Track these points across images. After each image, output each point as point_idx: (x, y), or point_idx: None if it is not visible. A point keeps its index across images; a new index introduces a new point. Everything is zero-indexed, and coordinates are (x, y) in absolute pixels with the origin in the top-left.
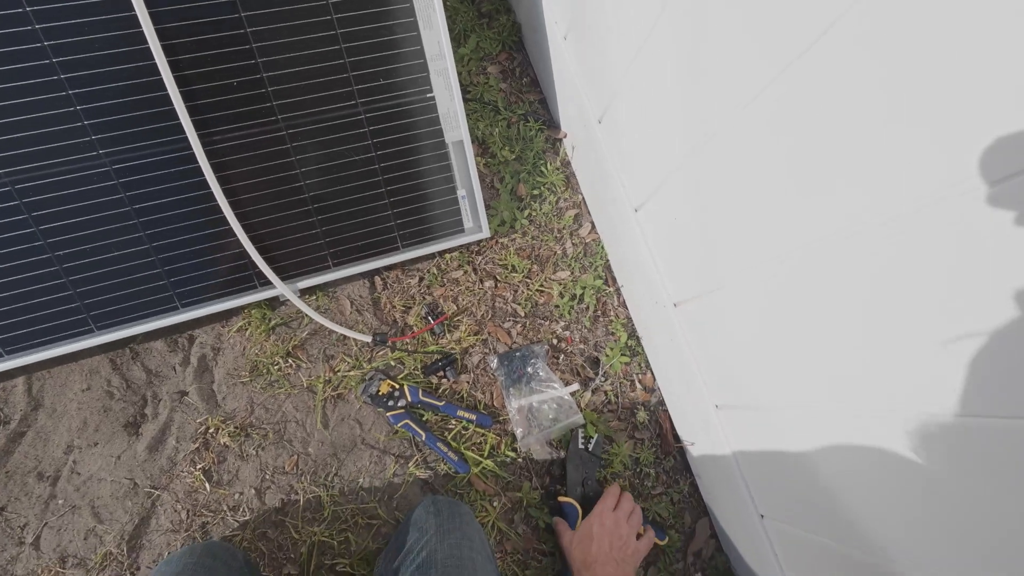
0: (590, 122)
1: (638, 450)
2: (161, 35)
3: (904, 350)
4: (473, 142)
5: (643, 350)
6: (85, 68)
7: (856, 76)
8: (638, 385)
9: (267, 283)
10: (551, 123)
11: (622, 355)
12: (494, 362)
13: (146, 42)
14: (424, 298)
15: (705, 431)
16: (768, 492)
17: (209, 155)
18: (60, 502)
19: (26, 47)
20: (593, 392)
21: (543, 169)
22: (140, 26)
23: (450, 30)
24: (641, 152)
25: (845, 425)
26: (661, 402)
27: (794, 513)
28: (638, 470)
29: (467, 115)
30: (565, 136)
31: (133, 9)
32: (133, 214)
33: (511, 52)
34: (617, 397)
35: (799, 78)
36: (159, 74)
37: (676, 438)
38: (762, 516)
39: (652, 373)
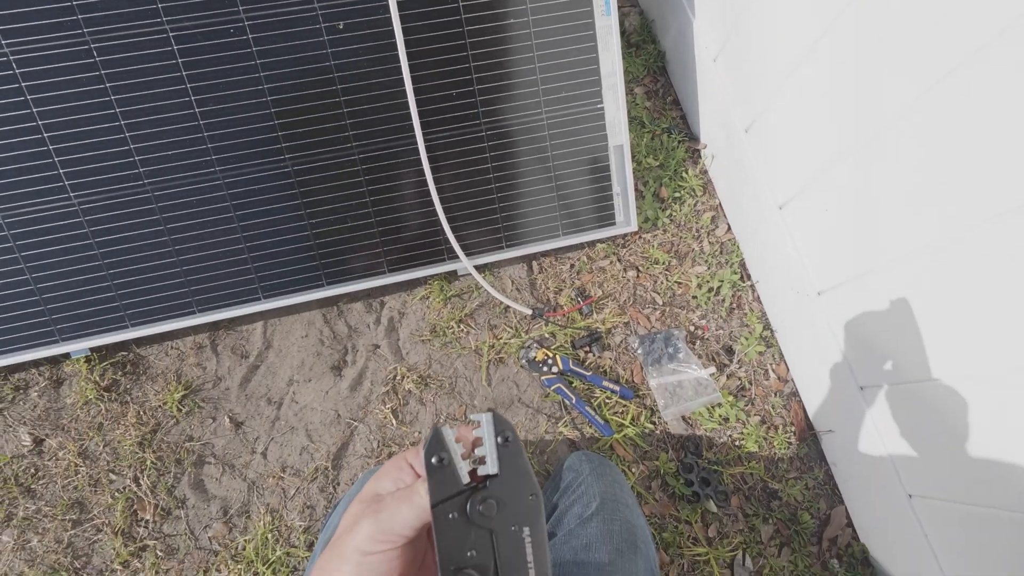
0: (735, 132)
1: (772, 434)
2: (407, 45)
3: None
4: None
5: (777, 342)
6: (351, 69)
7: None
8: (772, 374)
9: (454, 257)
10: (691, 136)
11: (757, 345)
12: (635, 342)
13: (396, 52)
14: (573, 282)
15: (847, 416)
16: (920, 470)
17: (427, 150)
18: (283, 423)
19: (312, 63)
20: (728, 377)
21: (683, 175)
22: (394, 39)
23: None
24: (791, 155)
25: (1018, 388)
26: (795, 393)
27: (950, 486)
28: (772, 453)
29: (627, 115)
30: (705, 147)
31: (391, 25)
32: (367, 194)
33: (655, 76)
34: (751, 384)
35: (964, 80)
36: (403, 85)
37: (810, 426)
38: (911, 496)
39: (786, 364)
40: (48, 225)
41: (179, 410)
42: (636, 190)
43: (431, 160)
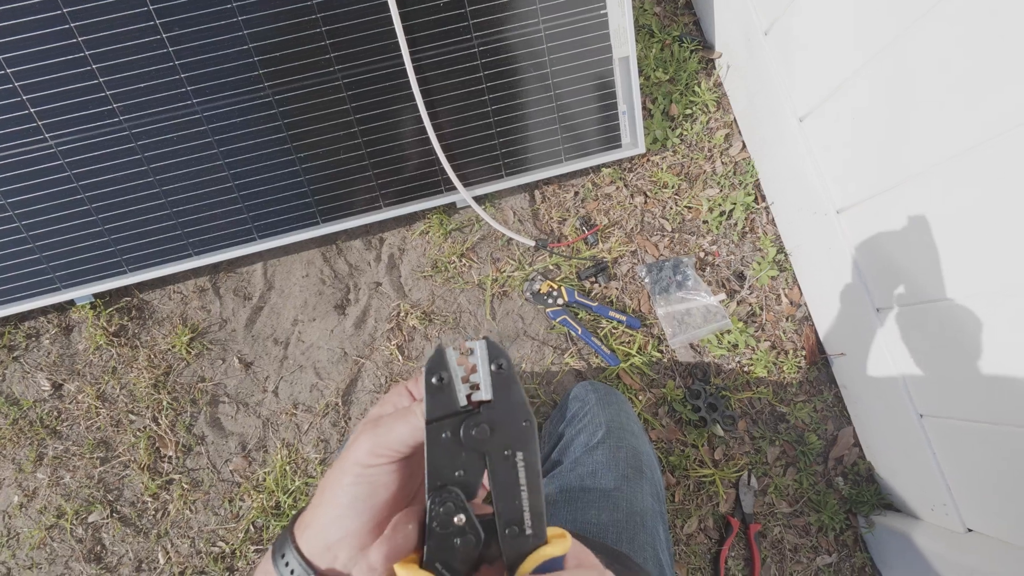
0: (754, 35)
1: (781, 359)
2: None
3: None
4: None
5: (791, 266)
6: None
7: None
8: (784, 299)
9: (452, 188)
10: (705, 44)
11: (770, 269)
12: (643, 271)
13: None
14: (578, 211)
15: (860, 338)
16: (932, 390)
17: (416, 71)
18: (291, 362)
19: None
20: (738, 304)
21: (696, 89)
22: None
23: None
24: (814, 60)
25: None
26: (807, 317)
27: (962, 405)
28: (781, 378)
29: (632, 21)
30: (720, 56)
31: None
32: (355, 123)
33: None
34: (762, 310)
35: None
36: None
37: (821, 349)
38: (921, 416)
39: (799, 288)
40: (29, 170)
41: (188, 352)
42: (644, 108)
43: (421, 83)
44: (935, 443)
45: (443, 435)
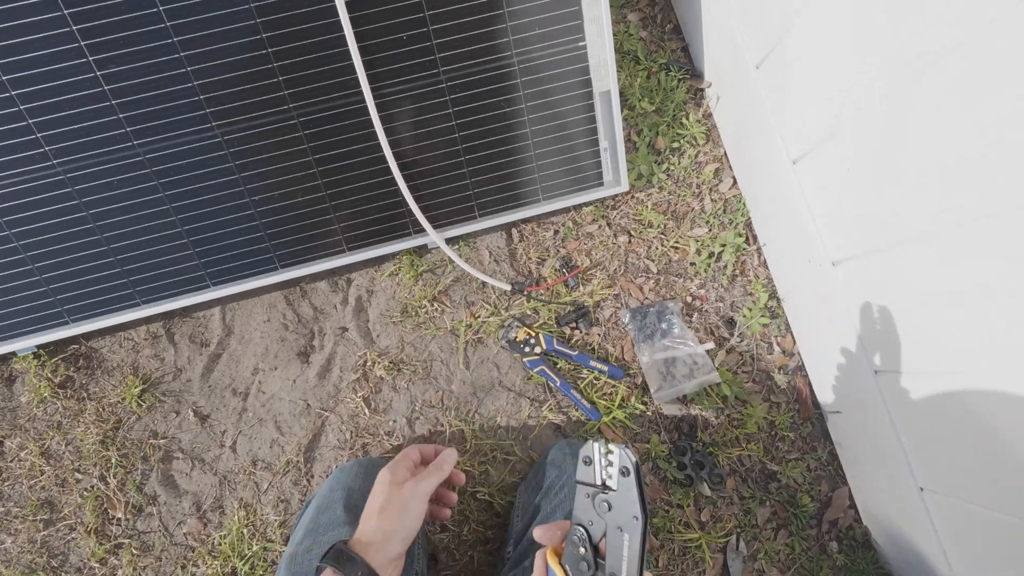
0: (746, 68)
1: (773, 413)
2: None
3: None
4: None
5: (784, 312)
6: (283, 27)
7: None
8: (776, 348)
9: (420, 230)
10: (694, 72)
11: (761, 316)
12: (626, 316)
13: (333, 1)
14: (558, 251)
15: (858, 399)
16: (936, 466)
17: (378, 108)
18: (250, 415)
19: (232, 6)
20: (728, 352)
21: (683, 121)
22: None
23: None
24: (809, 99)
25: None
26: (801, 367)
27: (969, 488)
28: (773, 433)
29: (614, 53)
30: (709, 86)
31: None
32: (313, 163)
33: None
34: (753, 359)
35: None
36: (342, 30)
37: (816, 404)
38: (922, 489)
39: (793, 336)
40: None
41: (139, 405)
42: (629, 141)
43: (384, 119)
44: (937, 519)
45: (586, 495)
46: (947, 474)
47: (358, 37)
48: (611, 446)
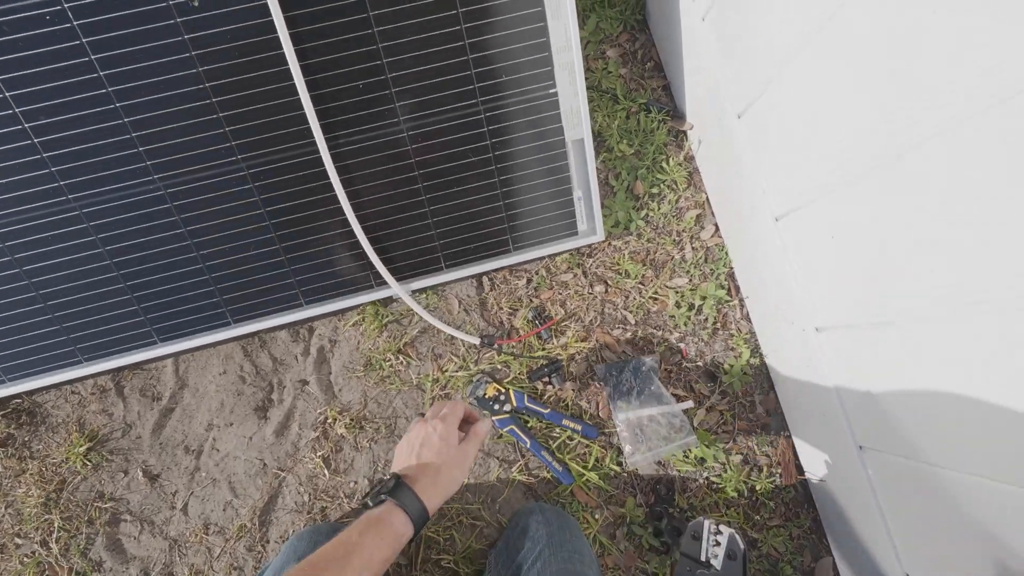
0: (727, 116)
1: (754, 478)
2: (295, 39)
3: None
4: None
5: (767, 370)
6: (220, 59)
7: None
8: (759, 407)
9: (383, 283)
10: (675, 113)
11: (743, 373)
12: (601, 371)
13: (281, 47)
14: (531, 301)
15: (842, 472)
16: (925, 556)
17: (334, 158)
18: (203, 474)
19: (169, 54)
20: (708, 411)
21: (664, 165)
22: (276, 32)
23: None
24: (795, 156)
25: None
26: (784, 427)
27: (955, 570)
28: (754, 499)
29: (587, 101)
30: (691, 128)
31: (270, 15)
32: (266, 216)
33: (633, 33)
34: (734, 418)
35: None
36: (292, 78)
37: (799, 469)
38: (907, 574)
39: (776, 395)
40: None
41: (85, 464)
42: (606, 185)
43: (341, 170)
44: None
45: (687, 567)
46: (932, 559)
47: (311, 85)
48: (722, 527)
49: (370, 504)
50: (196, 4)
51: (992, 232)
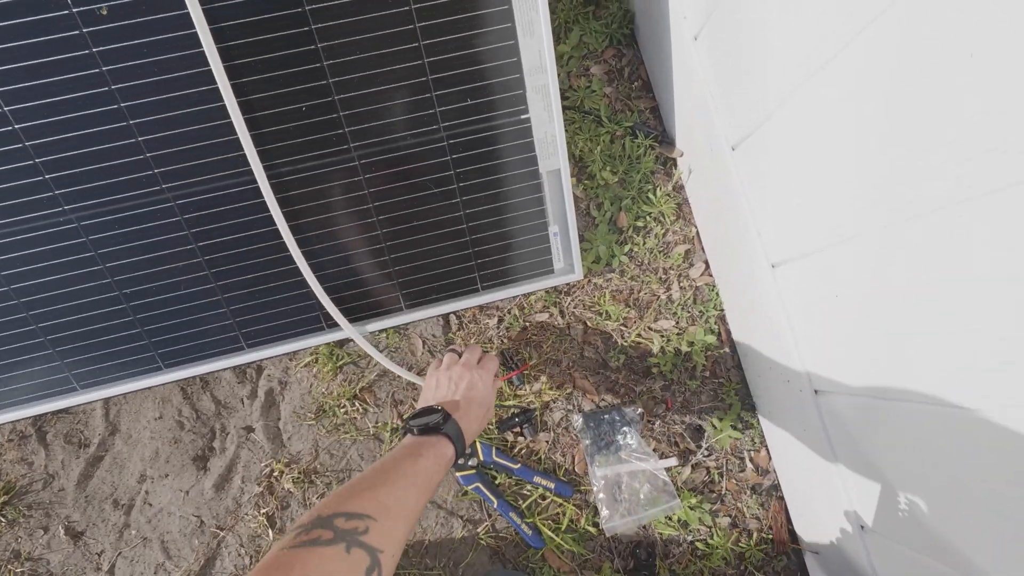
0: (720, 147)
1: (743, 544)
2: (224, 55)
3: None
4: (569, 160)
5: (759, 424)
6: (135, 76)
7: None
8: (748, 464)
9: (335, 325)
10: (664, 139)
11: (732, 428)
12: (578, 422)
13: (208, 64)
14: (502, 342)
15: (840, 549)
16: None
17: (275, 188)
18: (133, 532)
19: (75, 70)
20: (693, 468)
21: (650, 196)
22: (202, 47)
23: (551, 23)
24: (797, 200)
25: None
26: (776, 487)
27: None
28: (743, 568)
29: (564, 128)
30: (681, 155)
31: (193, 27)
32: (198, 252)
33: (620, 48)
34: (722, 477)
35: None
36: (222, 100)
37: (792, 536)
38: None
39: (768, 451)
40: None
41: (1, 520)
42: (587, 216)
43: (283, 202)
44: None
45: None
46: None
47: (245, 107)
48: None
49: (415, 432)
50: (104, 13)
51: (991, 309)
